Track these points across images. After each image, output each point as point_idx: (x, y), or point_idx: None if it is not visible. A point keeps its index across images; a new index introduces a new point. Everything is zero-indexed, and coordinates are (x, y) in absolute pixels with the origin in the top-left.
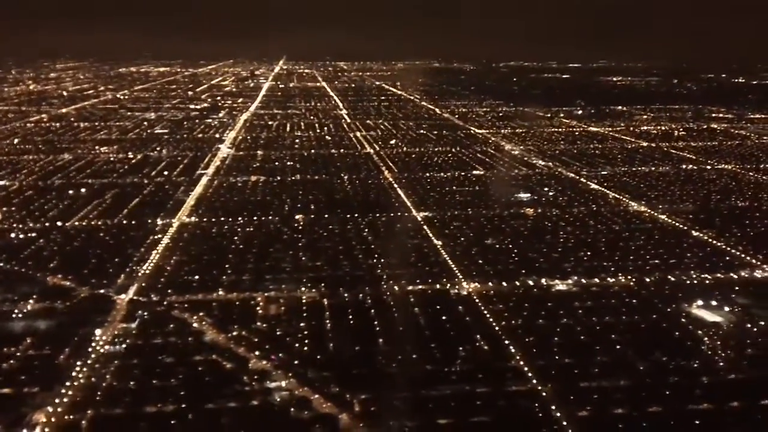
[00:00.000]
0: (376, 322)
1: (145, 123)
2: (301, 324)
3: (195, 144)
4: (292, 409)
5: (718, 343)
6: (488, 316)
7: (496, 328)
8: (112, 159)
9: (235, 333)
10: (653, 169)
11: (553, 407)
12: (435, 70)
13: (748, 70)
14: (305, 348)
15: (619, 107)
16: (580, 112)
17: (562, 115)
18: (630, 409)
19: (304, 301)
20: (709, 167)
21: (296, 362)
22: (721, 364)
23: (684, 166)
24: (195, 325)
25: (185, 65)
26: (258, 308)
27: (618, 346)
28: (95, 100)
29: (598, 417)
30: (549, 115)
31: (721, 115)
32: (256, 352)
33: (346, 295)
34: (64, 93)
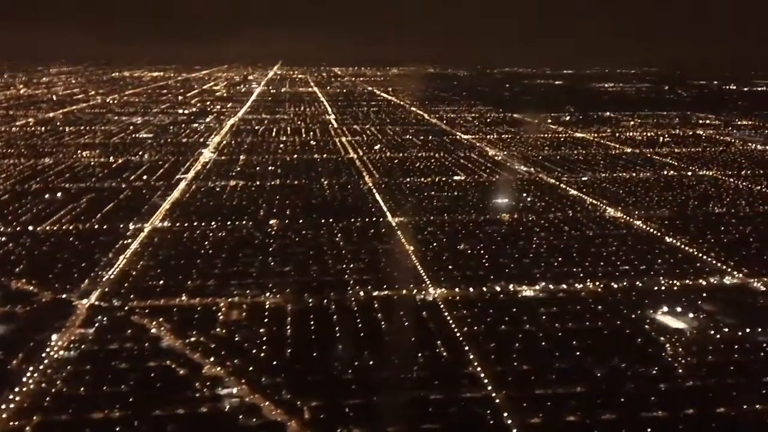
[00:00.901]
0: (337, 328)
1: (131, 127)
2: (261, 330)
3: (178, 148)
4: (240, 416)
5: (680, 349)
6: (451, 322)
7: (458, 334)
8: (92, 163)
9: (193, 339)
10: (634, 175)
11: (505, 414)
12: (429, 75)
13: (740, 77)
14: (262, 354)
15: (607, 113)
16: (567, 117)
17: (549, 120)
18: (583, 416)
19: (267, 306)
20: (690, 173)
21: (251, 368)
22: (680, 371)
23: (665, 172)
24: (153, 330)
25: (179, 70)
26: (219, 314)
27: (578, 353)
28: (84, 105)
29: (549, 424)
30: (536, 121)
31: (708, 121)
32: (212, 358)
33: (310, 300)
34: (54, 97)
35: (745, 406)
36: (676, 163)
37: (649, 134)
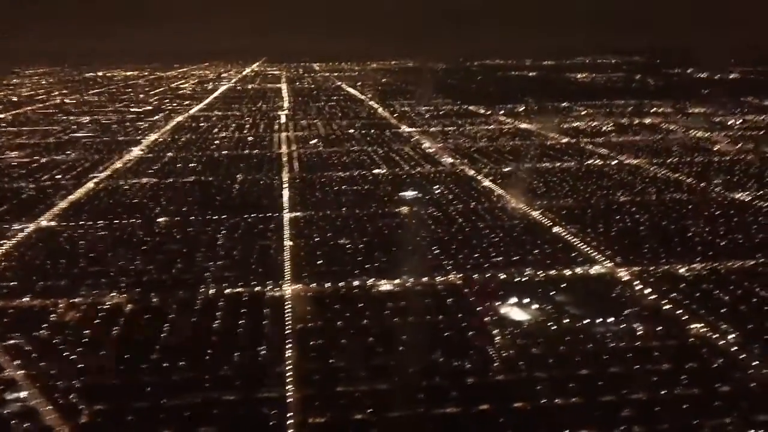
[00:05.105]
0: (165, 327)
1: (74, 126)
2: (86, 331)
3: (109, 147)
4: (13, 422)
5: (507, 342)
6: (288, 319)
7: (288, 331)
8: (13, 164)
9: (11, 341)
10: (557, 165)
11: (291, 414)
12: (404, 69)
13: (717, 65)
14: (73, 356)
15: (564, 104)
16: (522, 108)
17: (502, 112)
18: (371, 414)
19: (105, 307)
20: (614, 162)
21: (53, 372)
22: (496, 364)
23: (590, 162)
24: None
25: (156, 68)
26: (53, 315)
27: (402, 348)
28: (40, 105)
29: (332, 423)
30: (489, 113)
31: (660, 109)
32: (18, 362)
33: (154, 299)
34: (15, 98)
35: (543, 401)
36: (605, 152)
37: (593, 124)
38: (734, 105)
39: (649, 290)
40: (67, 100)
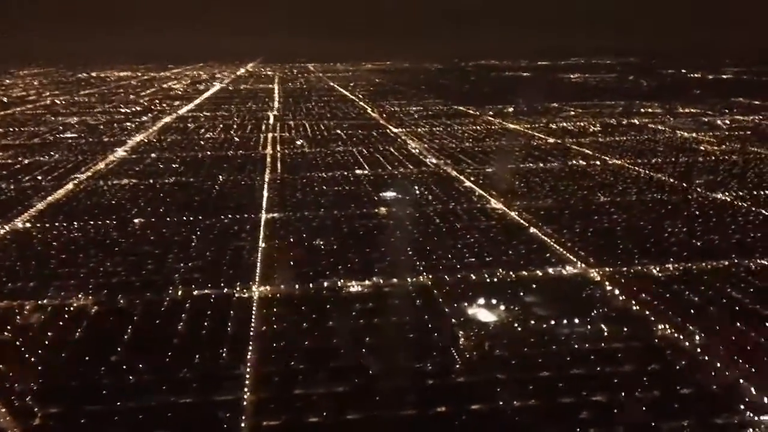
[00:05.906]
0: (129, 329)
1: (61, 128)
2: (49, 333)
3: (93, 148)
4: None
5: (472, 344)
6: (253, 321)
7: (251, 334)
8: None
9: None
10: (541, 165)
11: (244, 417)
12: (398, 69)
13: (711, 66)
14: (33, 358)
15: (554, 104)
16: (511, 109)
17: (491, 112)
18: (328, 416)
19: (71, 309)
20: (598, 163)
21: (11, 374)
22: (458, 366)
23: (573, 162)
24: None
25: (150, 69)
26: (18, 317)
27: (363, 350)
28: (29, 106)
29: (287, 426)
30: (478, 113)
31: (650, 110)
32: None
33: (121, 301)
34: (5, 99)
35: (501, 403)
36: (590, 153)
37: (581, 124)
38: (724, 105)
39: (619, 291)
40: (57, 101)
